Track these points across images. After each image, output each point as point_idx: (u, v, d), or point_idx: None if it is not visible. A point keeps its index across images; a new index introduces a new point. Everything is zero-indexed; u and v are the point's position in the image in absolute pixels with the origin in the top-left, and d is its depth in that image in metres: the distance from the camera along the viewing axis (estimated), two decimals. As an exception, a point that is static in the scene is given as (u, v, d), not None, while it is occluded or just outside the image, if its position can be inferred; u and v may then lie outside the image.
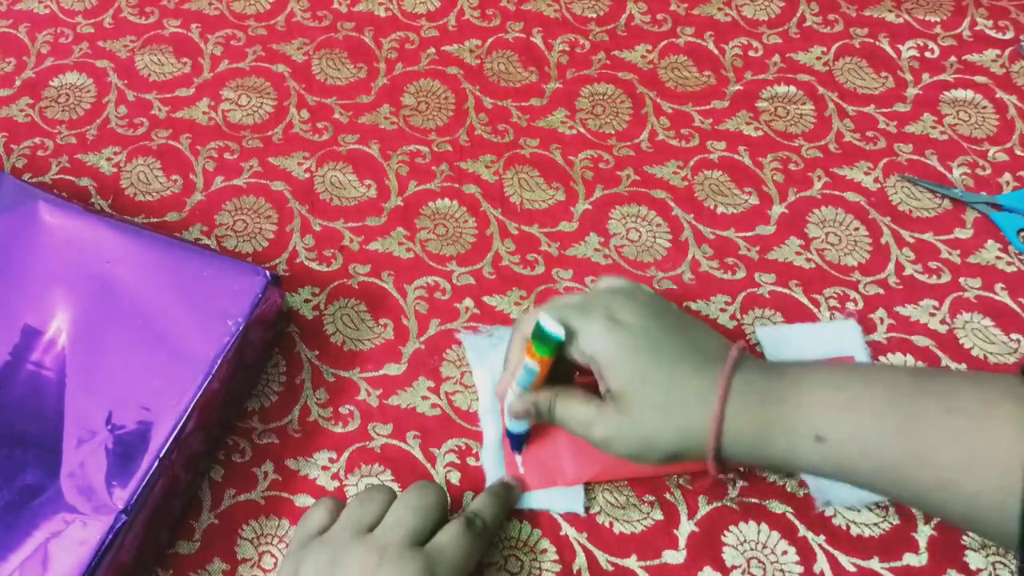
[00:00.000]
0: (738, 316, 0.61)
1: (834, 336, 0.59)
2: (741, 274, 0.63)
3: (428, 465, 0.56)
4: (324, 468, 0.56)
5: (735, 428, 0.45)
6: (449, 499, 0.51)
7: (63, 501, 0.49)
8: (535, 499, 0.54)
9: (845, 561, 0.52)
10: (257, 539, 0.54)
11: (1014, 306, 0.61)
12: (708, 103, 0.71)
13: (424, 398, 0.58)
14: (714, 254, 0.64)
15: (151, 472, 0.49)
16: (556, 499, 0.54)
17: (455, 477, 0.56)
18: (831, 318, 0.61)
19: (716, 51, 0.74)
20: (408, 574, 0.44)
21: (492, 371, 0.58)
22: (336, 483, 0.56)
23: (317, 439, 0.57)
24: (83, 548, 0.47)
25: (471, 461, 0.56)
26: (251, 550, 0.54)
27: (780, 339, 0.59)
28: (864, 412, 0.44)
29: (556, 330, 0.47)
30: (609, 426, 0.47)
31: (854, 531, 0.53)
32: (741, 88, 0.72)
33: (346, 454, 0.57)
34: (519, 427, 0.53)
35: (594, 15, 0.77)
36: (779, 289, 0.62)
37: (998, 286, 0.62)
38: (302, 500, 0.55)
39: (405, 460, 0.56)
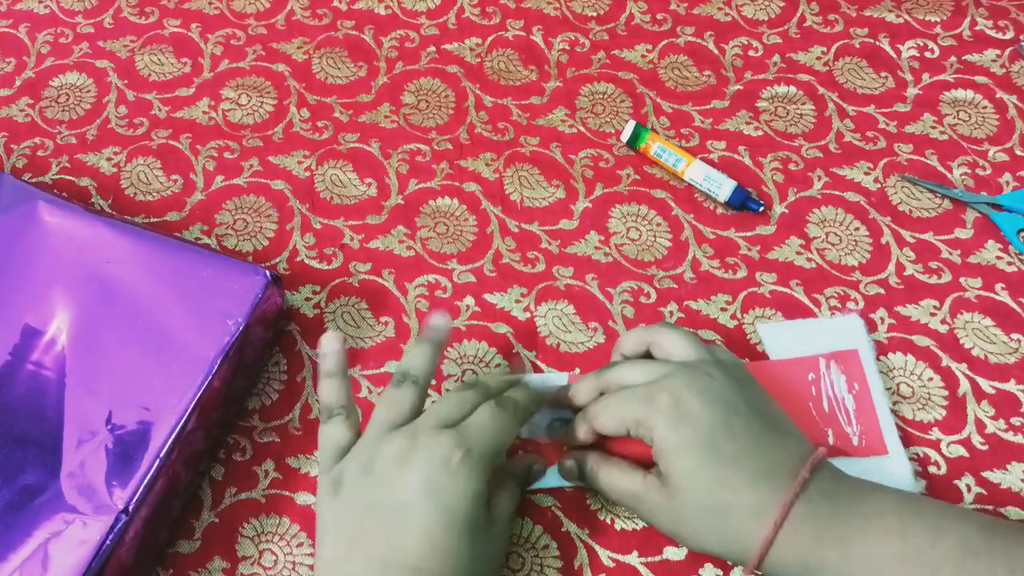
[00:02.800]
0: (739, 315, 0.61)
1: (837, 331, 0.59)
2: (742, 273, 0.63)
3: (429, 464, 0.56)
4: (325, 467, 0.56)
5: (782, 556, 0.44)
6: (489, 391, 0.51)
7: (63, 501, 0.49)
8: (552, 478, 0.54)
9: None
10: (258, 537, 0.54)
11: (1014, 306, 0.61)
12: (708, 103, 0.71)
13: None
14: (714, 253, 0.64)
15: (151, 472, 0.49)
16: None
17: (456, 476, 0.56)
18: (832, 316, 0.61)
19: (716, 51, 0.74)
20: (441, 447, 0.45)
21: None
22: (337, 482, 0.56)
23: (318, 437, 0.57)
24: (83, 548, 0.47)
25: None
26: (252, 548, 0.54)
27: (782, 335, 0.59)
28: (925, 571, 0.42)
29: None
30: (653, 506, 0.48)
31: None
32: (741, 88, 0.72)
33: (347, 453, 0.57)
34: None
35: (594, 14, 0.77)
36: (780, 289, 0.62)
37: (998, 286, 0.62)
38: (303, 498, 0.55)
39: (406, 459, 0.56)
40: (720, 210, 0.66)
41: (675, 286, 0.62)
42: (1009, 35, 0.74)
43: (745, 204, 0.65)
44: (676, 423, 0.46)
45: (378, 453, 0.47)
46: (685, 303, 0.62)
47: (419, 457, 0.45)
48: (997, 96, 0.71)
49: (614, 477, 0.50)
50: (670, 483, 0.46)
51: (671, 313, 0.61)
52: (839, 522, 0.44)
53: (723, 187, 0.64)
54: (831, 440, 0.54)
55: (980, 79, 0.72)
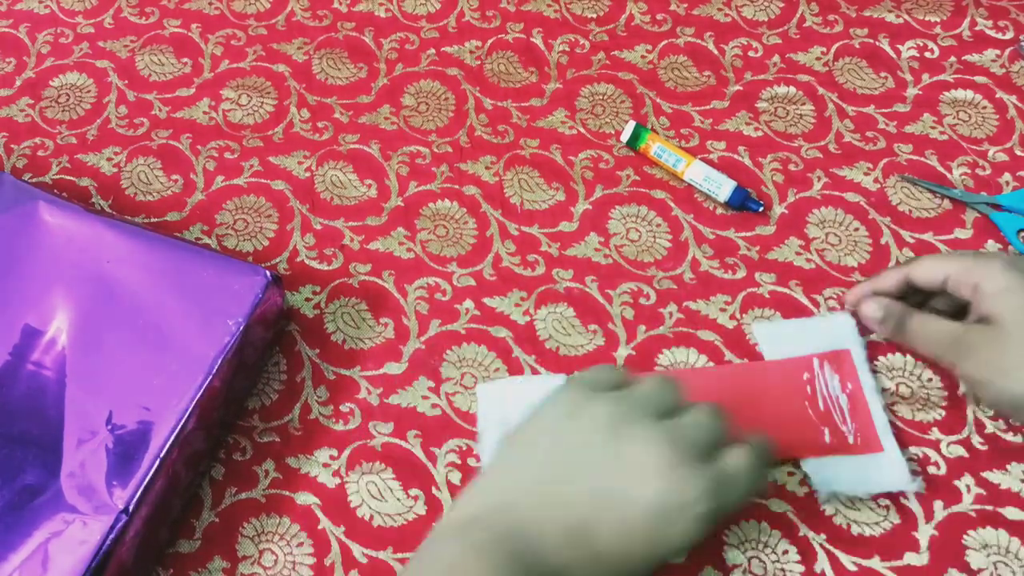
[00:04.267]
0: (738, 316, 0.61)
1: (829, 329, 0.59)
2: (741, 274, 0.63)
3: (429, 464, 0.56)
4: (325, 465, 0.56)
5: None
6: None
7: (63, 501, 0.49)
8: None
9: (846, 560, 0.52)
10: (258, 537, 0.54)
11: (1014, 306, 0.61)
12: (708, 103, 0.71)
13: (424, 398, 0.58)
14: (714, 254, 0.64)
15: (151, 472, 0.49)
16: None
17: (456, 477, 0.56)
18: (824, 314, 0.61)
19: (716, 51, 0.74)
20: (696, 486, 0.42)
21: (502, 424, 0.56)
22: (337, 480, 0.56)
23: (318, 437, 0.57)
24: (83, 548, 0.47)
25: (471, 462, 0.56)
26: (252, 548, 0.54)
27: (776, 335, 0.59)
28: None
29: None
30: (973, 345, 0.51)
31: (855, 530, 0.53)
32: (741, 88, 0.72)
33: (347, 452, 0.57)
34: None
35: (594, 15, 0.77)
36: (779, 289, 0.62)
37: (998, 286, 0.62)
38: (303, 498, 0.55)
39: (406, 459, 0.56)
40: (720, 210, 0.66)
41: (675, 287, 0.62)
42: (1009, 35, 0.74)
43: (745, 204, 0.65)
44: (1009, 270, 0.51)
45: (631, 430, 0.44)
46: (685, 304, 0.62)
47: (667, 479, 0.42)
48: (997, 96, 0.71)
49: (929, 323, 0.54)
50: (997, 320, 0.50)
51: (670, 314, 0.61)
52: None
53: (723, 187, 0.64)
54: (827, 438, 0.54)
55: (980, 79, 0.72)
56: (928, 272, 0.55)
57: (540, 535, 0.43)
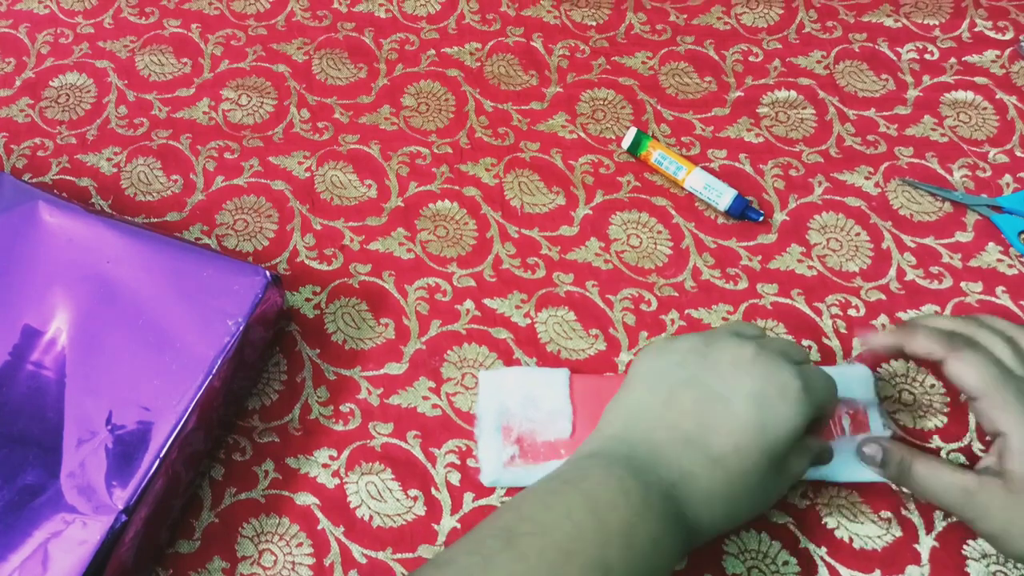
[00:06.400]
0: (739, 320, 0.61)
1: (845, 379, 0.55)
2: (743, 284, 0.62)
3: (428, 464, 0.56)
4: (324, 466, 0.56)
5: None
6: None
7: (63, 501, 0.49)
8: None
9: (847, 574, 0.52)
10: (257, 537, 0.54)
11: (1015, 309, 0.61)
12: (709, 110, 0.71)
13: (425, 398, 0.58)
14: (715, 263, 0.64)
15: (151, 472, 0.49)
16: None
17: (455, 477, 0.56)
18: (844, 360, 0.60)
19: (716, 57, 0.74)
20: (783, 373, 0.47)
21: (500, 411, 0.57)
22: (337, 480, 0.55)
23: (318, 437, 0.57)
24: (83, 548, 0.47)
25: (471, 462, 0.56)
26: (251, 548, 0.53)
27: None
28: None
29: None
30: (987, 503, 0.47)
31: (856, 544, 0.53)
32: (742, 94, 0.72)
33: (346, 452, 0.56)
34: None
35: (594, 23, 0.77)
36: (781, 300, 0.62)
37: (999, 289, 0.62)
38: (302, 498, 0.55)
39: (405, 459, 0.56)
40: (721, 219, 0.66)
41: (676, 294, 0.62)
42: (1009, 36, 0.74)
43: (745, 214, 0.64)
44: None
45: (717, 345, 0.49)
46: (686, 311, 0.62)
47: (759, 369, 0.47)
48: (997, 97, 0.71)
49: (938, 470, 0.50)
50: (1015, 482, 0.47)
51: (672, 321, 0.61)
52: None
53: (723, 196, 0.64)
54: None
55: (980, 80, 0.72)
56: (958, 378, 0.50)
57: (653, 453, 0.46)
